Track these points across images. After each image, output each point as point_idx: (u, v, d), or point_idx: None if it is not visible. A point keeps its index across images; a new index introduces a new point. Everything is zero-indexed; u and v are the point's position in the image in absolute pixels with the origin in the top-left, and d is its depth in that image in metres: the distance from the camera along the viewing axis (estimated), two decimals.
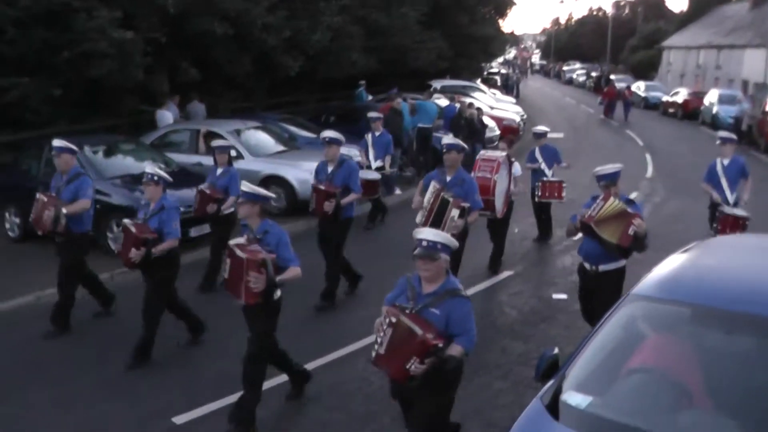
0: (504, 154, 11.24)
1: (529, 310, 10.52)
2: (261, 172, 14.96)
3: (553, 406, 4.75)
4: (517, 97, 44.96)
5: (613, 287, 7.90)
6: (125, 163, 13.68)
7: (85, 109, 17.98)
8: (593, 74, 66.95)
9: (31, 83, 15.38)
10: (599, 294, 8.09)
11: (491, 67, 61.78)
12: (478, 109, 22.21)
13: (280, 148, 16.41)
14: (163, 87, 19.95)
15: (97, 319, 10.14)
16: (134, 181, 12.45)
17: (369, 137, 15.45)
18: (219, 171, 11.56)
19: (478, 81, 41.40)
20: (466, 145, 9.78)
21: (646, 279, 5.54)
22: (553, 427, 4.60)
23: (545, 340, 9.25)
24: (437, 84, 30.24)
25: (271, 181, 14.78)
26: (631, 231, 7.68)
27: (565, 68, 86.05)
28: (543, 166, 13.94)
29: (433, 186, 9.37)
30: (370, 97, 26.31)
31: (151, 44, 16.77)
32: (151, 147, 15.26)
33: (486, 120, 23.27)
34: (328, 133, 10.63)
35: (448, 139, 10.02)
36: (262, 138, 16.50)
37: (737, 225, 11.03)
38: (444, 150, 9.46)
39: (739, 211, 11.28)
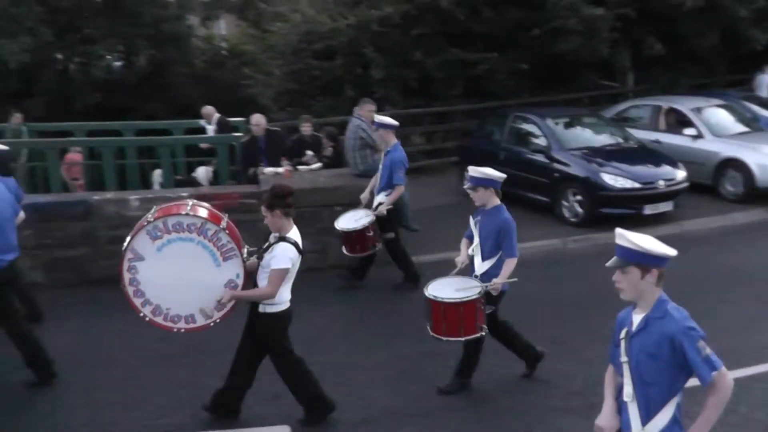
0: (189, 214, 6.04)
1: None
2: (720, 153, 14.27)
3: None
4: None
5: None
6: (584, 135, 13.96)
7: (545, 82, 18.66)
8: None
9: (499, 58, 16.60)
10: None
11: None
12: None
13: (742, 128, 15.46)
14: (625, 62, 19.98)
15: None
16: (593, 153, 12.80)
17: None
18: None
19: None
20: None
21: None
22: None
23: None
24: None
25: (728, 164, 14.09)
26: None
27: None
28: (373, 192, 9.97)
29: None
30: None
31: (619, 19, 16.96)
32: (611, 121, 15.38)
33: None
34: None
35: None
36: (722, 117, 15.67)
37: None
38: None
39: None
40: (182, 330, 6.16)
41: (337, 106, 16.32)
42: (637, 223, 11.64)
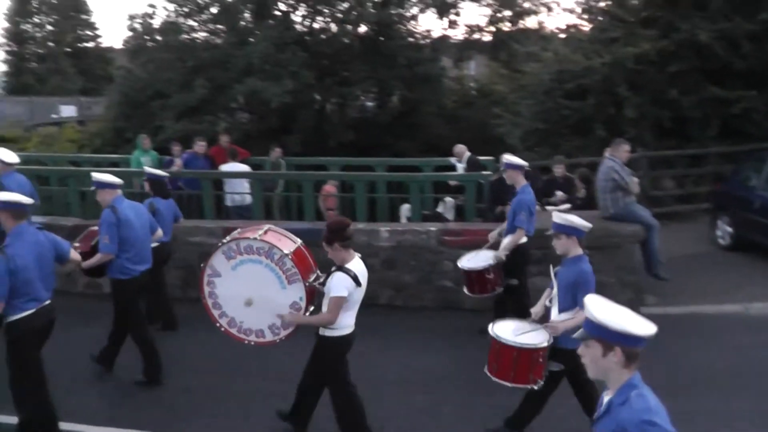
0: None
1: None
2: None
3: None
4: None
5: None
6: None
7: None
8: None
9: (758, 96, 15.84)
10: None
11: None
12: None
13: None
14: None
15: None
16: None
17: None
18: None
19: None
20: None
21: None
22: None
23: None
24: None
25: None
26: None
27: None
28: None
29: None
30: None
31: None
32: None
33: None
34: None
35: None
36: None
37: None
38: None
39: None
40: (252, 343, 6.66)
41: (586, 147, 16.18)
42: None
